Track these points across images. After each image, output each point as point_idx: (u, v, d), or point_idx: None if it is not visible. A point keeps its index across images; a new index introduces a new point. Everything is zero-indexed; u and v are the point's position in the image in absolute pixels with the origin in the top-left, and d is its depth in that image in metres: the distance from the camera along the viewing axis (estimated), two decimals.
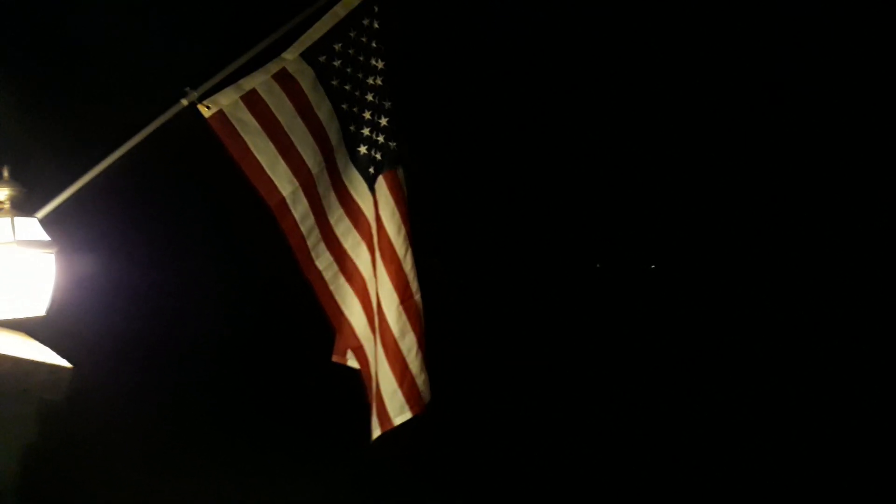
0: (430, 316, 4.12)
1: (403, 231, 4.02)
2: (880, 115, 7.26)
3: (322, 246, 3.99)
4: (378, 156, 4.08)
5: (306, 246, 3.90)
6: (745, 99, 7.45)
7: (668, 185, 7.90)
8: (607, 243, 8.19)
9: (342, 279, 4.10)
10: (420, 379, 4.07)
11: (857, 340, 7.47)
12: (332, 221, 4.03)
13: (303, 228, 3.86)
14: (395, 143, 4.07)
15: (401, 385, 4.01)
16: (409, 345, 4.02)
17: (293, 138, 3.79)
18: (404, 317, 4.02)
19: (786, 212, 7.87)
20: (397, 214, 4.02)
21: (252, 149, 3.69)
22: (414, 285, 4.07)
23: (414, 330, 4.04)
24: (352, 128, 4.06)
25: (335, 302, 4.10)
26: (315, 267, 3.98)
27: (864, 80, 7.20)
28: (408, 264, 4.04)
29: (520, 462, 6.70)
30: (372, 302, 4.08)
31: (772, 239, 7.94)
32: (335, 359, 4.24)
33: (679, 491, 6.64)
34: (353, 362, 4.23)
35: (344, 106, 4.01)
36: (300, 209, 3.83)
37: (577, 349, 7.58)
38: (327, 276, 4.04)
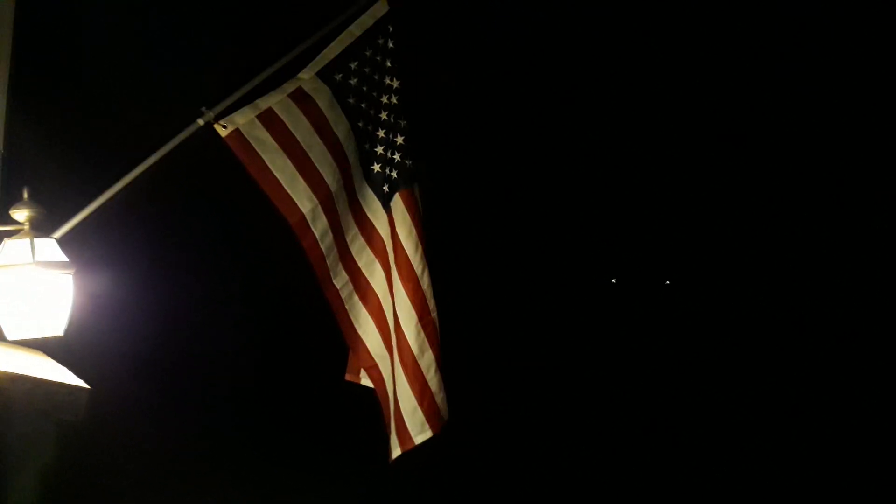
0: (445, 333, 4.12)
1: (420, 249, 4.02)
2: (880, 115, 7.22)
3: (340, 264, 3.99)
4: (394, 174, 4.09)
5: (325, 264, 3.90)
6: (758, 102, 7.41)
7: (685, 197, 7.87)
8: (624, 258, 8.15)
9: (356, 298, 4.10)
10: (439, 397, 4.07)
11: (863, 352, 7.42)
12: (347, 239, 4.04)
13: (322, 246, 3.86)
14: (410, 161, 4.08)
15: (421, 403, 4.00)
16: (427, 363, 4.02)
17: (311, 156, 3.80)
18: (423, 334, 4.02)
19: (799, 225, 7.83)
20: (414, 232, 4.02)
21: (270, 166, 3.70)
22: (431, 303, 4.07)
23: (432, 347, 4.04)
24: (367, 146, 4.07)
25: (349, 321, 4.10)
26: (333, 285, 3.98)
27: (864, 80, 7.16)
28: (425, 282, 4.03)
29: (535, 478, 6.65)
30: (388, 320, 4.08)
31: (784, 251, 7.89)
32: (349, 377, 4.24)
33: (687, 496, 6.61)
34: (366, 381, 4.22)
35: (360, 124, 4.03)
36: (320, 226, 3.83)
37: (592, 365, 7.55)
38: (343, 294, 4.04)
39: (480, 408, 6.03)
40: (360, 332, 4.13)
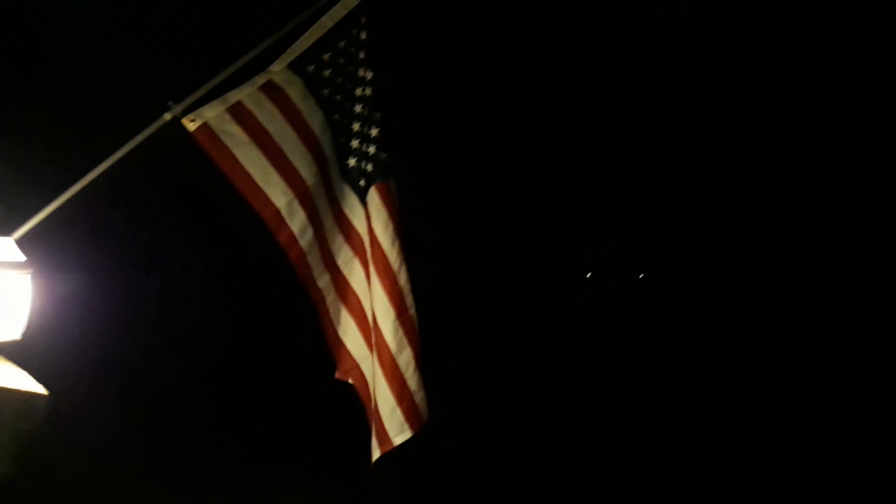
0: (424, 331, 4.02)
1: (398, 244, 3.90)
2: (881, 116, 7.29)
3: (322, 263, 3.86)
4: (369, 168, 3.97)
5: (308, 262, 3.77)
6: (759, 100, 7.44)
7: (674, 192, 7.88)
8: (606, 252, 8.15)
9: (336, 297, 3.98)
10: (418, 396, 3.94)
11: (858, 352, 7.47)
12: (327, 237, 3.91)
13: (303, 243, 3.72)
14: (386, 155, 3.97)
15: (399, 403, 3.86)
16: (406, 360, 3.88)
17: (285, 149, 3.66)
18: (401, 331, 3.88)
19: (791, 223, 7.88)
20: (391, 227, 3.90)
21: (241, 161, 3.56)
22: (409, 300, 3.94)
23: (410, 345, 3.91)
24: (342, 139, 3.96)
25: (331, 321, 3.98)
26: (317, 286, 3.86)
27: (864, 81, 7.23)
28: (402, 278, 3.92)
29: (521, 477, 6.60)
30: (368, 320, 3.96)
31: (775, 248, 7.94)
32: (338, 376, 4.11)
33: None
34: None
35: (336, 116, 3.90)
36: (298, 221, 3.69)
37: (576, 361, 7.53)
38: (326, 294, 3.92)
39: (465, 406, 5.99)
40: (340, 333, 4.01)
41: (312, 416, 5.52)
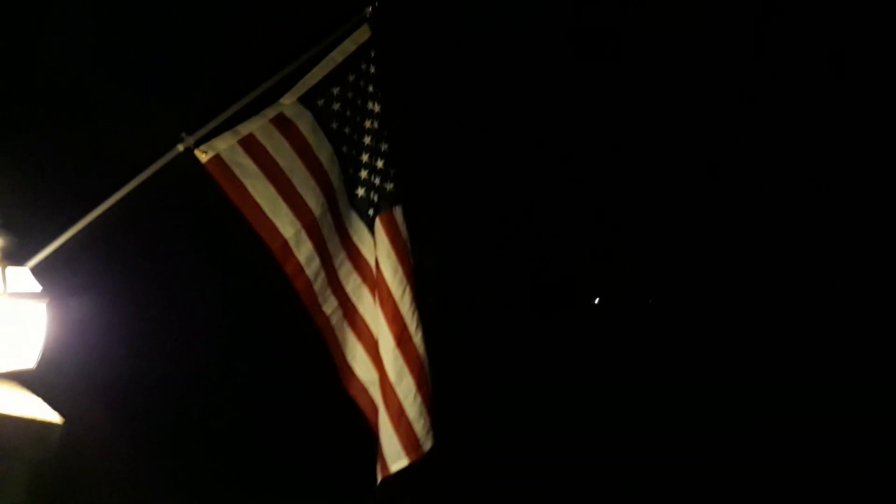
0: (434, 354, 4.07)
1: (400, 272, 3.97)
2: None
3: (328, 290, 3.93)
4: (376, 198, 4.06)
5: (313, 291, 3.84)
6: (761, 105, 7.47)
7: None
8: (608, 277, 8.17)
9: (345, 324, 4.05)
10: (419, 424, 3.98)
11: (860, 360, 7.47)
12: (335, 265, 3.99)
13: (308, 272, 3.80)
14: (391, 185, 4.05)
15: (397, 430, 3.94)
16: (406, 389, 3.95)
17: (293, 181, 3.75)
18: (401, 360, 3.96)
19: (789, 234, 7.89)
20: (393, 255, 3.98)
21: (251, 192, 3.64)
22: (412, 326, 3.99)
23: (412, 373, 3.96)
24: (350, 171, 4.05)
25: (339, 347, 4.04)
26: (323, 313, 3.92)
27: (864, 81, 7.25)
28: (405, 305, 3.98)
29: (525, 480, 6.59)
30: (382, 343, 4.02)
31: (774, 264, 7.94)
32: (351, 394, 4.16)
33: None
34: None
35: (344, 149, 4.00)
36: (304, 252, 3.77)
37: (581, 383, 7.53)
38: (333, 321, 3.98)
39: (470, 428, 5.99)
40: (348, 358, 4.08)
41: (325, 444, 5.52)
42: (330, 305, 3.95)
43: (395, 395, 3.94)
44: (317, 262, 3.82)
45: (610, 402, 7.35)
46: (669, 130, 7.49)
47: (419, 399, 3.98)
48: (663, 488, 6.77)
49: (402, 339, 3.97)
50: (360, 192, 4.07)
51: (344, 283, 4.03)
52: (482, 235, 7.03)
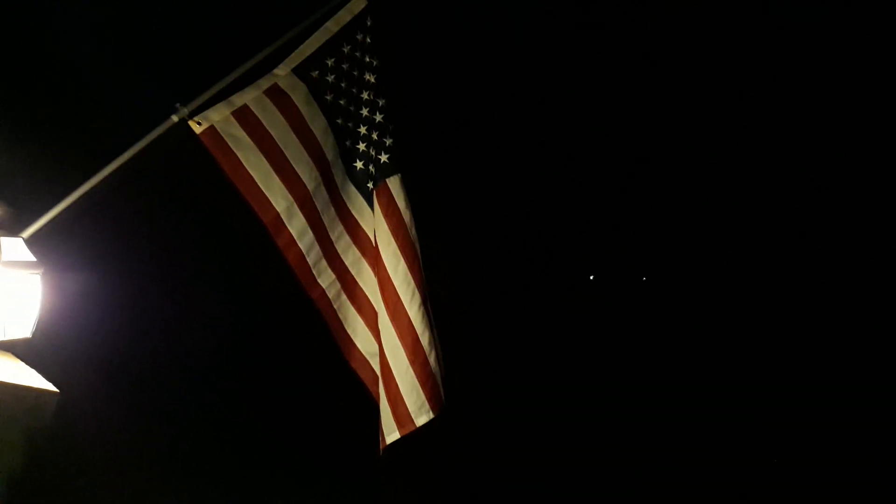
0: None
1: (394, 243, 3.94)
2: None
3: (324, 263, 3.93)
4: (373, 170, 4.04)
5: (307, 263, 3.85)
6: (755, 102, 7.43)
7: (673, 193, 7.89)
8: (608, 252, 8.17)
9: (344, 297, 4.05)
10: (410, 398, 3.97)
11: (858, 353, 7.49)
12: (333, 238, 3.98)
13: (301, 245, 3.80)
14: (386, 156, 4.02)
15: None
16: (398, 362, 3.95)
17: (287, 153, 3.75)
18: (394, 332, 3.95)
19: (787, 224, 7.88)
20: (385, 226, 3.96)
21: (245, 164, 3.64)
22: (407, 298, 3.97)
23: (405, 346, 3.97)
24: (347, 143, 4.03)
25: (339, 320, 4.04)
26: (318, 285, 3.92)
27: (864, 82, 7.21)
28: (398, 277, 3.98)
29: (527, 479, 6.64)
30: (378, 317, 4.02)
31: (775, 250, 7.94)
32: (353, 366, 4.16)
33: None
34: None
35: (339, 121, 3.98)
36: (297, 225, 3.77)
37: (577, 360, 7.56)
38: (330, 294, 3.98)
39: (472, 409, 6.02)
40: (349, 331, 4.08)
41: (319, 414, 5.56)
42: (326, 278, 3.95)
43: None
44: (310, 235, 3.83)
45: (604, 394, 7.40)
46: (664, 120, 7.47)
47: (411, 373, 3.96)
48: (664, 487, 6.81)
49: (395, 311, 3.96)
50: (359, 164, 4.05)
51: (343, 256, 4.03)
52: (478, 214, 7.03)
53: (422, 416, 3.93)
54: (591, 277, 8.24)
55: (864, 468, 6.70)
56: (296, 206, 3.76)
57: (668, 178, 7.80)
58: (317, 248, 3.87)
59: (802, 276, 7.86)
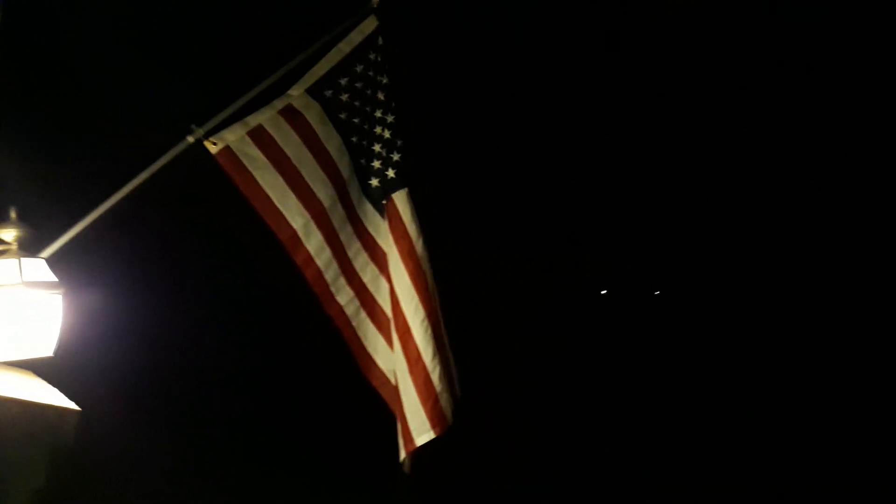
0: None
1: (396, 255, 3.96)
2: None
3: (342, 280, 3.93)
4: (388, 187, 4.08)
5: (325, 280, 3.85)
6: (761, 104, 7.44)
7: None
8: (615, 268, 8.17)
9: (363, 314, 4.05)
10: (443, 398, 3.97)
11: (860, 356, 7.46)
12: (350, 255, 3.99)
13: (319, 262, 3.81)
14: (393, 172, 4.04)
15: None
16: (432, 360, 3.93)
17: (302, 172, 3.78)
18: (430, 331, 3.94)
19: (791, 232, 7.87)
20: (391, 240, 3.99)
21: (261, 183, 3.67)
22: (436, 303, 4.01)
23: (437, 345, 3.96)
24: (362, 161, 4.05)
25: (358, 338, 4.04)
26: (336, 302, 3.92)
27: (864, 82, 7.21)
28: (430, 282, 3.99)
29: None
30: (393, 334, 4.02)
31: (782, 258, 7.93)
32: (374, 385, 4.14)
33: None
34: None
35: (354, 139, 4.01)
36: (314, 242, 3.78)
37: (585, 375, 7.56)
38: (349, 311, 3.98)
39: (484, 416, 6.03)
40: (369, 349, 4.08)
41: (336, 426, 5.58)
42: (344, 296, 3.95)
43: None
44: (327, 252, 3.84)
45: (616, 396, 7.39)
46: (676, 132, 7.48)
47: (413, 390, 3.92)
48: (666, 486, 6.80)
49: (400, 327, 3.97)
50: (374, 182, 4.09)
51: (361, 273, 4.03)
52: (487, 227, 7.06)
53: (423, 436, 3.90)
54: (604, 292, 8.24)
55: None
56: (313, 223, 3.77)
57: (677, 190, 7.81)
58: (335, 265, 3.88)
59: (815, 285, 7.83)
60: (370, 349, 4.08)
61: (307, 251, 3.77)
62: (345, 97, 3.96)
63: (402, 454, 3.95)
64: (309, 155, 3.80)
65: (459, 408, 4.15)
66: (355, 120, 4.01)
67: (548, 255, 7.73)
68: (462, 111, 6.49)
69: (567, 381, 7.46)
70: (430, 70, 5.92)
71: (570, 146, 7.43)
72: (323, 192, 3.83)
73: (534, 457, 6.95)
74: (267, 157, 3.68)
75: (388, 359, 4.08)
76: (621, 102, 7.36)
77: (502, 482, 6.61)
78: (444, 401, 3.96)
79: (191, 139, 3.62)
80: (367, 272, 4.06)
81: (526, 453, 6.94)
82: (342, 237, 3.93)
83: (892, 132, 7.39)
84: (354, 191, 4.03)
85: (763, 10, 6.98)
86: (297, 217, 3.74)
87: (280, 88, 3.88)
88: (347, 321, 3.98)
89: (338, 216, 3.91)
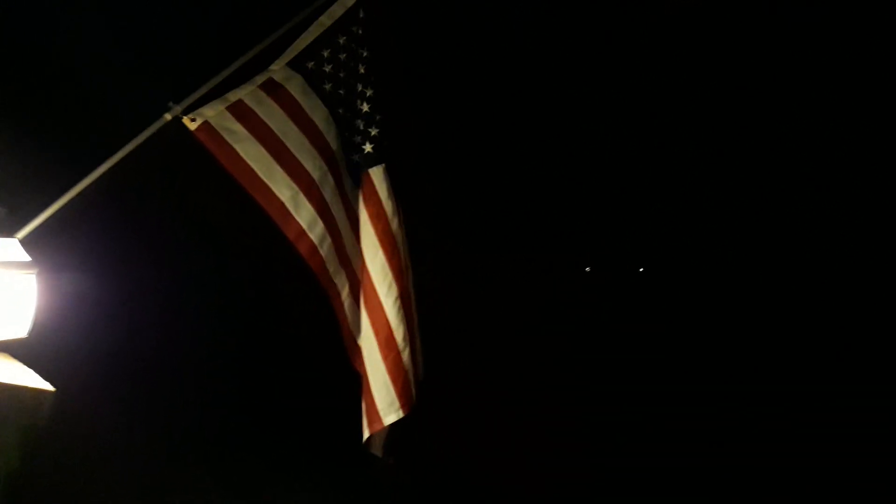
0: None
1: (371, 233, 3.83)
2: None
3: (336, 258, 3.83)
4: (363, 162, 3.98)
5: (320, 256, 3.74)
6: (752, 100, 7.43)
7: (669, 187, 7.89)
8: (602, 244, 8.16)
9: (349, 294, 3.96)
10: (411, 377, 3.86)
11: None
12: (342, 230, 3.89)
13: (312, 236, 3.70)
14: (370, 146, 3.91)
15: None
16: (402, 338, 3.82)
17: (287, 143, 3.66)
18: (402, 310, 3.83)
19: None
20: (366, 217, 3.85)
21: (244, 156, 3.56)
22: (383, 290, 3.84)
23: (407, 324, 3.85)
24: (346, 135, 3.97)
25: (345, 317, 3.96)
26: (332, 280, 3.83)
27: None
28: (405, 260, 3.90)
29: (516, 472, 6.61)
30: (363, 311, 3.93)
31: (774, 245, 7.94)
32: (356, 366, 4.05)
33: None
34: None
35: (340, 111, 3.91)
36: (305, 215, 3.68)
37: (572, 356, 7.54)
38: (342, 291, 3.89)
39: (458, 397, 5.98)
40: (353, 329, 4.00)
41: (317, 412, 5.53)
42: (340, 275, 3.87)
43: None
44: (320, 226, 3.72)
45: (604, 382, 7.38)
46: (662, 117, 7.47)
47: (382, 368, 3.80)
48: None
49: (371, 304, 3.83)
50: (355, 157, 4.00)
51: (350, 252, 3.94)
52: (473, 209, 7.01)
53: (391, 415, 3.79)
54: (588, 269, 8.23)
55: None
56: (301, 194, 3.66)
57: (665, 174, 7.80)
58: (329, 240, 3.77)
59: (814, 285, 7.85)
60: (354, 329, 4.00)
61: (298, 224, 3.66)
62: (328, 68, 3.86)
63: (366, 433, 3.83)
64: (294, 127, 3.70)
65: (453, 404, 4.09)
66: (340, 91, 3.90)
67: (541, 249, 7.71)
68: (447, 88, 6.43)
69: (565, 379, 7.44)
70: (414, 45, 5.84)
71: (568, 143, 7.40)
72: (311, 163, 3.71)
73: (533, 456, 6.92)
74: (249, 130, 3.58)
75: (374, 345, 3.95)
76: (621, 102, 7.34)
77: (496, 480, 6.58)
78: (412, 380, 3.86)
79: (168, 116, 3.55)
80: (355, 251, 3.95)
81: (524, 452, 6.91)
82: (334, 211, 3.81)
83: (892, 132, 7.41)
84: (341, 163, 3.93)
85: (763, 10, 6.96)
86: (284, 189, 3.62)
87: (259, 66, 3.80)
88: (339, 300, 3.89)
89: (328, 189, 3.79)
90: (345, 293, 3.93)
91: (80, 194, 3.49)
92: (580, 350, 7.61)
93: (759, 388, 7.44)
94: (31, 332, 3.12)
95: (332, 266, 3.82)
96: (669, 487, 6.69)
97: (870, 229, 7.66)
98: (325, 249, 3.76)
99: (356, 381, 4.04)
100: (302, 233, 3.68)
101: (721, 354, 7.72)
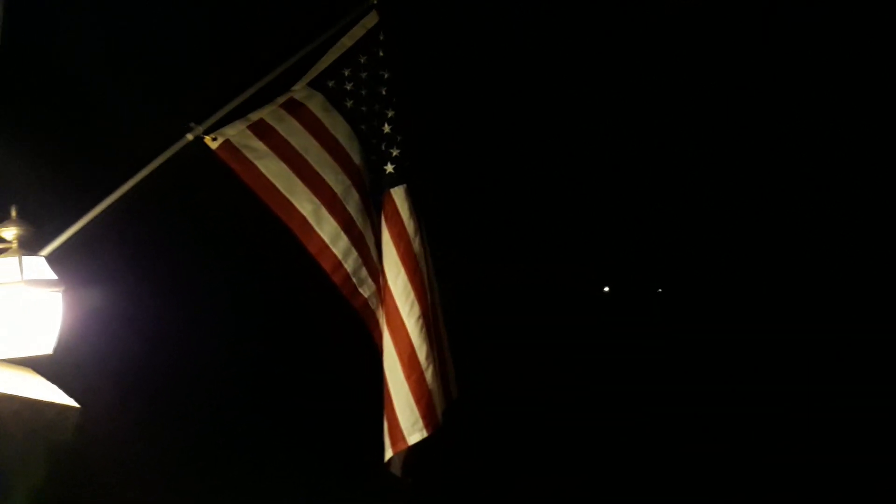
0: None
1: (394, 253, 3.81)
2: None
3: (364, 272, 3.78)
4: (384, 183, 4.00)
5: (345, 270, 3.69)
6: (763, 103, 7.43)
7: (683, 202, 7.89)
8: (618, 266, 8.16)
9: (381, 309, 3.89)
10: (437, 397, 3.81)
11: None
12: (370, 245, 3.85)
13: (336, 251, 3.66)
14: (391, 167, 3.92)
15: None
16: (426, 357, 3.77)
17: (309, 159, 3.67)
18: (424, 329, 3.79)
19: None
20: (388, 237, 3.83)
21: (265, 172, 3.58)
22: (405, 309, 3.80)
23: (430, 343, 3.81)
24: (368, 154, 3.97)
25: (380, 333, 3.89)
26: (360, 295, 3.78)
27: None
28: (427, 279, 3.87)
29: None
30: (385, 331, 3.88)
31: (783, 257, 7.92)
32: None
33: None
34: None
35: (363, 127, 3.92)
36: (328, 229, 3.64)
37: (588, 372, 7.54)
38: (373, 305, 3.84)
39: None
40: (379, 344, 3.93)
41: (334, 424, 5.55)
42: (367, 288, 3.81)
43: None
44: (345, 240, 3.68)
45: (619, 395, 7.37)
46: (680, 132, 7.48)
47: (406, 388, 3.75)
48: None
49: (393, 324, 3.79)
50: (378, 178, 3.99)
51: (378, 266, 3.88)
52: (490, 225, 7.04)
53: (414, 434, 3.73)
54: (606, 289, 8.23)
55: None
56: (324, 208, 3.64)
57: (677, 189, 7.80)
58: (354, 254, 3.72)
59: (815, 285, 7.81)
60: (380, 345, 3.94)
61: (321, 238, 3.63)
62: (349, 86, 3.89)
63: (389, 454, 3.80)
64: (315, 143, 3.70)
65: (462, 409, 4.09)
66: (363, 108, 3.92)
67: (550, 257, 7.72)
68: (466, 107, 6.47)
69: (573, 382, 7.44)
70: (431, 69, 5.89)
71: (570, 145, 7.41)
72: (333, 177, 3.70)
73: (535, 456, 6.92)
74: (270, 147, 3.60)
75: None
76: (621, 101, 7.35)
77: (503, 480, 6.58)
78: (437, 400, 3.82)
79: (190, 137, 3.59)
80: (380, 265, 3.89)
81: (527, 453, 6.92)
82: (360, 225, 3.76)
83: (892, 132, 7.39)
84: (367, 179, 3.91)
85: (763, 10, 6.97)
86: (305, 203, 3.61)
87: (281, 87, 3.84)
88: (373, 314, 3.84)
89: (353, 204, 3.76)
90: (375, 305, 3.87)
91: (103, 212, 3.54)
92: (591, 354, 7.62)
93: (760, 388, 7.43)
94: (56, 349, 3.15)
95: (360, 280, 3.76)
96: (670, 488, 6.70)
97: (870, 229, 7.63)
98: (351, 264, 3.72)
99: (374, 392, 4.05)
100: (324, 247, 3.65)
101: (725, 356, 7.71)
